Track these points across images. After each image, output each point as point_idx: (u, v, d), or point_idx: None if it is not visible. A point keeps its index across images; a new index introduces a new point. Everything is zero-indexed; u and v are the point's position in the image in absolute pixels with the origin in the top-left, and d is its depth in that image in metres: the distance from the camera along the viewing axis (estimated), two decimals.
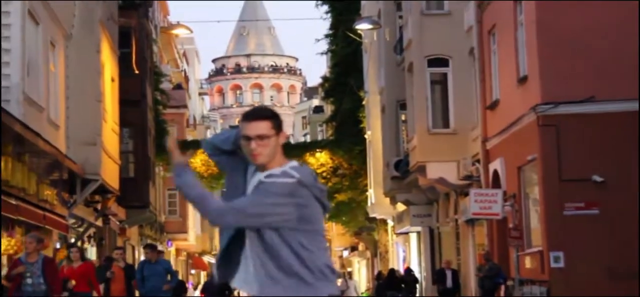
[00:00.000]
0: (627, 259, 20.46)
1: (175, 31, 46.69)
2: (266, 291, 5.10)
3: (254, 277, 5.15)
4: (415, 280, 36.05)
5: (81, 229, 28.40)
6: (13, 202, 19.42)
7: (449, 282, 28.98)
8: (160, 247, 43.81)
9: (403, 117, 35.03)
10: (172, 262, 27.69)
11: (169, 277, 20.85)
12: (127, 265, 21.64)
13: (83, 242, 28.53)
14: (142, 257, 22.45)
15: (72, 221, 26.44)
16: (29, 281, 15.02)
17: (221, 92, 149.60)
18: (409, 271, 36.61)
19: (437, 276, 29.56)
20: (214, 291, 29.43)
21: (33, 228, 21.53)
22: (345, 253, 66.92)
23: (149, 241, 48.91)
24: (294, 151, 43.61)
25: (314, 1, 48.46)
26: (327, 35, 47.92)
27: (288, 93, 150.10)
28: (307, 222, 5.09)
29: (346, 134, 44.33)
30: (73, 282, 17.89)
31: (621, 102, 20.87)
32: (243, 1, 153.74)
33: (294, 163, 5.17)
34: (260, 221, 5.04)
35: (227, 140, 5.32)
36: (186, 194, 5.10)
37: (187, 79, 71.11)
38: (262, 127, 5.08)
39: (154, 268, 20.29)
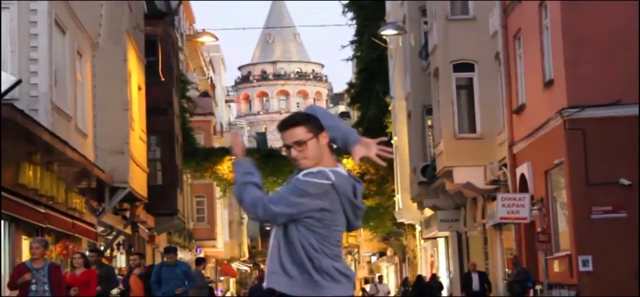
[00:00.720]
0: None
1: (201, 39, 46.75)
2: (273, 280, 5.18)
3: (269, 263, 5.24)
4: (440, 286, 35.98)
5: (110, 237, 28.52)
6: (42, 210, 19.53)
7: (476, 285, 28.36)
8: (200, 254, 43.85)
9: (429, 122, 34.98)
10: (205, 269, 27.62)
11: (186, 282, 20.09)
12: (147, 270, 21.16)
13: (113, 250, 28.64)
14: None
15: (101, 229, 26.54)
16: (33, 287, 14.43)
17: (248, 99, 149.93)
18: (434, 277, 36.55)
19: (464, 279, 29.13)
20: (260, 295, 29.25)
21: (63, 237, 21.66)
22: (374, 258, 66.83)
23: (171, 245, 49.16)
24: None
25: (340, 7, 48.40)
26: (352, 42, 47.94)
27: (314, 99, 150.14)
28: (324, 226, 5.16)
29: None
30: (76, 289, 17.33)
31: None
32: (268, 8, 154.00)
33: (339, 168, 5.30)
34: (286, 218, 5.12)
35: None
36: (234, 178, 5.22)
37: (213, 86, 71.28)
38: (297, 133, 5.16)
39: (172, 271, 19.45)
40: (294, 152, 5.16)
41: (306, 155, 5.17)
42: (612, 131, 20.95)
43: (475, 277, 28.40)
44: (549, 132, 22.61)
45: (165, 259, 20.08)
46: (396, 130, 40.86)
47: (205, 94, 62.55)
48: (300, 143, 5.15)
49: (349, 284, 5.29)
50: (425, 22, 34.14)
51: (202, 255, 38.57)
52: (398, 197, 41.26)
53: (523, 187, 25.27)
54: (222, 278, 72.66)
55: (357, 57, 48.19)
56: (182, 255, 52.30)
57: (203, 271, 26.57)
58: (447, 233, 37.12)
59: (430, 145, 34.90)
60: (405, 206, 39.83)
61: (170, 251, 20.21)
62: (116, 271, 21.33)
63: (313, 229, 5.16)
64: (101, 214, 26.35)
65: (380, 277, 35.27)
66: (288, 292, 5.17)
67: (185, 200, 45.18)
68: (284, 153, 5.11)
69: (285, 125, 5.21)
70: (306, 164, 5.16)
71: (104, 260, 21.53)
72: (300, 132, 5.17)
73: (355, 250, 76.48)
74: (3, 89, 18.14)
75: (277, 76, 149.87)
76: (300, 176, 5.14)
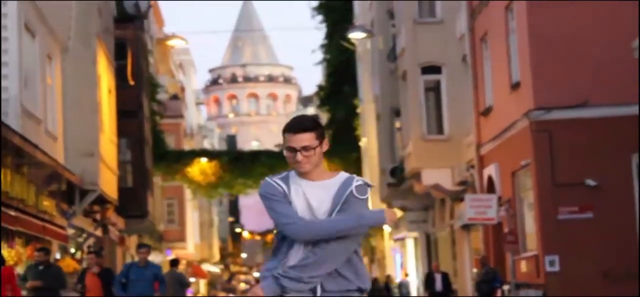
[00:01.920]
0: (622, 261, 20.43)
1: (170, 42, 46.67)
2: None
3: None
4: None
5: (81, 239, 28.35)
6: (13, 213, 19.37)
7: (439, 286, 27.98)
8: (171, 256, 43.45)
9: (398, 125, 35.01)
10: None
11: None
12: (103, 269, 19.44)
13: (83, 252, 28.48)
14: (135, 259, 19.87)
15: (71, 231, 26.39)
16: None
17: (218, 102, 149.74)
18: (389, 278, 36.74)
19: (426, 279, 28.66)
20: None
21: (33, 239, 21.49)
22: None
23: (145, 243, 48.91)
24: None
25: (309, 10, 48.42)
26: (322, 45, 47.94)
27: (283, 102, 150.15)
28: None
29: (342, 142, 44.25)
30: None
31: (614, 107, 20.84)
32: (238, 11, 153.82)
33: (345, 174, 5.32)
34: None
35: None
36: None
37: (183, 89, 71.09)
38: (307, 138, 5.15)
39: (141, 273, 17.49)
40: (300, 156, 5.14)
41: (311, 161, 5.18)
42: (579, 133, 21.01)
43: (438, 278, 28.11)
44: (516, 133, 22.67)
45: (136, 257, 18.43)
46: (365, 132, 40.90)
47: (175, 97, 62.38)
48: (308, 149, 5.15)
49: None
50: (393, 25, 34.18)
51: (173, 257, 38.39)
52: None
53: (490, 188, 25.33)
54: (193, 279, 72.46)
55: (327, 60, 48.21)
56: (153, 257, 52.12)
57: (177, 271, 26.22)
58: (415, 234, 37.18)
59: (399, 147, 34.93)
60: (374, 207, 39.78)
61: (143, 246, 18.48)
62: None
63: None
64: (71, 217, 26.21)
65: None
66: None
67: (155, 202, 45.02)
68: (285, 153, 5.24)
69: (297, 129, 5.17)
70: (307, 168, 5.18)
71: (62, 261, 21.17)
72: (309, 138, 5.16)
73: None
74: None
75: (247, 79, 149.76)
76: (354, 191, 5.20)
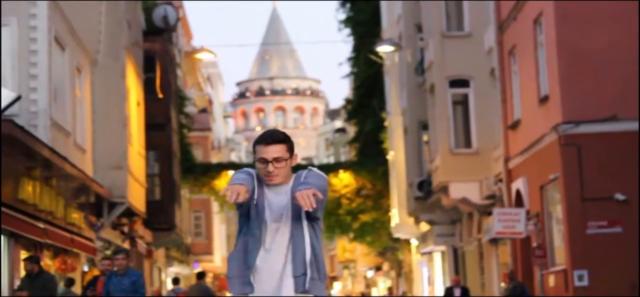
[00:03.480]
0: None
1: (199, 55, 46.78)
2: (316, 288, 5.44)
3: (299, 266, 5.44)
4: None
5: (108, 252, 28.47)
6: (41, 225, 19.50)
7: None
8: (198, 269, 43.14)
9: (425, 138, 34.98)
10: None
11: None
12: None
13: None
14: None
15: (99, 243, 26.52)
16: None
17: (245, 115, 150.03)
18: None
19: (445, 295, 27.68)
20: None
21: (62, 251, 21.62)
22: (370, 273, 66.80)
23: (175, 273, 49.01)
24: None
25: (336, 24, 48.51)
26: (349, 58, 48.00)
27: (311, 115, 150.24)
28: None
29: (369, 155, 44.31)
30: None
31: None
32: (266, 25, 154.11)
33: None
34: (323, 205, 5.44)
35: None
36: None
37: (211, 102, 71.29)
38: (279, 150, 5.30)
39: (119, 282, 15.39)
40: (271, 167, 5.28)
41: (280, 173, 5.32)
42: (607, 146, 20.95)
43: (456, 292, 27.16)
44: (544, 147, 22.61)
45: (115, 265, 15.95)
46: (393, 145, 40.86)
47: (203, 110, 62.58)
48: (279, 160, 5.30)
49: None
50: (421, 39, 34.18)
51: (200, 269, 38.44)
52: (394, 212, 41.24)
53: (519, 202, 25.26)
54: (219, 293, 72.53)
55: (354, 74, 48.25)
56: (180, 269, 52.27)
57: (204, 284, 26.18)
58: (443, 248, 37.09)
59: (427, 160, 34.89)
60: (401, 220, 39.80)
61: (120, 252, 16.05)
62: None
63: (319, 229, 5.48)
64: (100, 229, 26.35)
65: (390, 290, 34.53)
66: None
67: (183, 215, 45.14)
68: (256, 165, 5.41)
69: (269, 141, 5.32)
70: (277, 180, 5.33)
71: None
72: (281, 150, 5.32)
73: (352, 264, 76.38)
74: (3, 105, 18.14)
75: (274, 92, 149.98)
76: (306, 171, 5.37)
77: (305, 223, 5.36)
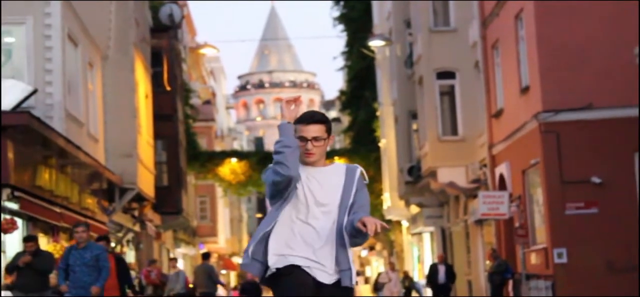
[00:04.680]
0: (625, 254, 20.38)
1: (203, 50, 46.87)
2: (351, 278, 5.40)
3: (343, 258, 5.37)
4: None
5: (120, 234, 28.51)
6: (58, 210, 19.52)
7: (442, 277, 26.69)
8: (204, 250, 42.99)
9: (415, 126, 34.98)
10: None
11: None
12: (117, 256, 16.99)
13: (122, 246, 28.62)
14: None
15: (111, 226, 26.54)
16: None
17: (246, 106, 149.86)
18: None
19: (430, 271, 27.30)
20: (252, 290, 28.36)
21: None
22: (364, 252, 66.86)
23: (182, 247, 49.05)
24: None
25: (331, 20, 48.44)
26: (343, 53, 47.98)
27: (308, 106, 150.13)
28: None
29: (362, 143, 44.32)
30: None
31: (617, 109, 20.80)
32: (265, 21, 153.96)
33: (341, 163, 5.47)
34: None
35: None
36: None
37: (214, 94, 71.24)
38: (317, 130, 5.25)
39: (80, 256, 13.77)
40: (309, 145, 5.23)
41: (318, 151, 5.28)
42: (584, 133, 20.97)
43: (441, 270, 26.93)
44: (526, 134, 22.63)
45: (75, 238, 14.21)
46: (384, 133, 40.87)
47: (207, 102, 62.53)
48: (318, 139, 5.26)
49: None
50: (410, 34, 34.15)
51: (205, 250, 38.46)
52: (386, 196, 41.28)
53: (502, 185, 25.29)
54: (224, 271, 72.67)
55: (348, 67, 48.22)
56: (186, 251, 52.29)
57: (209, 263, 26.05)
58: (432, 229, 37.12)
59: (416, 147, 34.90)
60: (393, 203, 39.84)
61: (80, 225, 14.28)
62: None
63: None
64: (112, 213, 26.37)
65: (392, 264, 34.12)
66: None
67: (189, 199, 45.17)
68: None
69: (311, 119, 5.27)
70: (314, 158, 5.28)
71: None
72: (320, 130, 5.27)
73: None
74: (20, 98, 18.15)
75: (273, 85, 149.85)
76: (359, 175, 5.38)
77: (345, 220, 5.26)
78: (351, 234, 5.18)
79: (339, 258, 5.26)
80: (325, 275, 5.24)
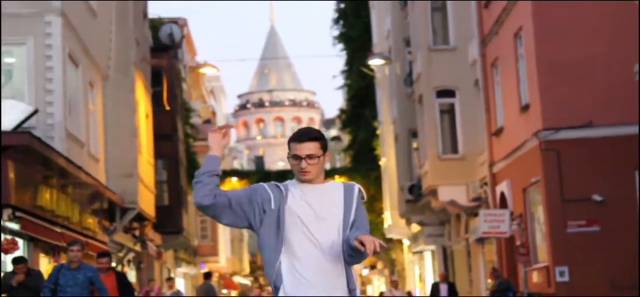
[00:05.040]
0: (627, 272, 20.33)
1: (203, 70, 46.71)
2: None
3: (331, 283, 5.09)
4: None
5: (121, 254, 28.45)
6: (59, 230, 19.49)
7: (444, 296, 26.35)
8: (205, 269, 42.98)
9: (415, 145, 34.98)
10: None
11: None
12: (118, 273, 16.07)
13: (123, 266, 28.57)
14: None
15: (112, 246, 26.49)
16: None
17: (246, 125, 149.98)
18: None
19: (432, 290, 26.95)
20: None
21: None
22: (365, 271, 66.77)
23: (183, 267, 48.97)
24: None
25: (330, 39, 48.53)
26: (342, 71, 48.06)
27: (307, 125, 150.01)
28: None
29: (362, 162, 44.35)
30: None
31: (617, 127, 20.79)
32: (264, 40, 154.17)
33: (339, 182, 5.26)
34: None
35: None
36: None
37: (214, 113, 71.28)
38: (312, 147, 5.05)
39: (72, 276, 13.21)
40: (304, 163, 5.04)
41: (313, 169, 5.07)
42: (585, 151, 20.96)
43: (443, 288, 26.65)
44: (526, 152, 22.62)
45: (69, 257, 13.69)
46: (384, 152, 40.87)
47: (207, 121, 62.53)
48: (312, 157, 5.05)
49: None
50: (410, 52, 34.20)
51: (206, 270, 38.40)
52: (387, 214, 41.25)
53: (503, 203, 25.26)
54: (224, 291, 72.52)
55: (348, 85, 48.28)
56: (187, 270, 52.21)
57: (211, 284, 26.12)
58: (433, 247, 37.08)
59: (416, 165, 34.89)
60: (394, 222, 39.81)
61: (75, 243, 13.79)
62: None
63: None
64: (113, 233, 26.32)
65: (395, 282, 33.80)
66: None
67: (190, 219, 45.11)
68: (290, 161, 5.11)
69: (304, 137, 5.07)
70: (310, 177, 5.07)
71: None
72: (314, 147, 5.06)
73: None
74: (21, 118, 18.13)
75: (273, 104, 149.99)
76: (357, 194, 5.18)
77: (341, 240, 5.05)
78: (347, 253, 4.99)
79: (348, 278, 5.08)
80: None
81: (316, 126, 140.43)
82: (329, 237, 5.04)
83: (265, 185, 5.13)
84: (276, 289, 5.02)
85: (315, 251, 5.02)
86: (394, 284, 33.72)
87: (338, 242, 5.05)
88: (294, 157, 5.06)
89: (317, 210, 5.05)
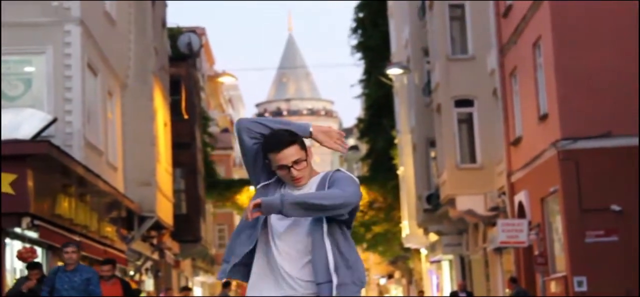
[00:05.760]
0: None
1: (221, 79, 46.99)
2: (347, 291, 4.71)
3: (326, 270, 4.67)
4: None
5: (139, 263, 28.53)
6: (77, 238, 19.55)
7: None
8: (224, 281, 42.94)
9: (433, 154, 34.97)
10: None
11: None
12: (122, 281, 15.53)
13: (141, 274, 28.66)
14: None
15: (130, 255, 26.58)
16: None
17: None
18: None
19: None
20: None
21: (95, 262, 21.67)
22: (383, 281, 66.74)
23: (200, 276, 49.00)
24: None
25: (349, 49, 48.59)
26: (361, 80, 48.09)
27: None
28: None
29: (380, 171, 44.31)
30: None
31: (635, 137, 20.73)
32: (283, 50, 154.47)
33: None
34: (352, 208, 4.69)
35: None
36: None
37: (232, 122, 71.41)
38: (294, 152, 4.64)
39: (69, 279, 12.66)
40: (294, 172, 4.64)
41: (305, 173, 4.69)
42: (603, 161, 20.91)
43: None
44: (544, 162, 22.58)
45: (64, 259, 13.13)
46: (402, 161, 40.86)
47: (225, 130, 62.67)
48: (298, 162, 4.65)
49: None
50: (428, 62, 34.21)
51: (225, 280, 38.43)
52: (405, 224, 41.22)
53: (521, 213, 25.22)
54: None
55: (366, 95, 48.30)
56: (205, 279, 52.30)
57: (229, 293, 26.08)
58: (451, 256, 37.04)
59: (434, 175, 34.87)
60: (411, 231, 39.78)
61: (70, 245, 13.31)
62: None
63: (348, 231, 4.78)
64: (131, 242, 26.40)
65: (421, 293, 33.61)
66: None
67: (207, 227, 45.21)
68: (278, 174, 4.70)
69: (281, 145, 4.64)
70: (304, 181, 4.70)
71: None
72: (296, 151, 4.66)
73: (366, 273, 76.18)
74: (40, 127, 18.24)
75: (291, 112, 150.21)
76: (331, 173, 4.68)
77: (325, 227, 4.61)
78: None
79: (316, 273, 4.60)
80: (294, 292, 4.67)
81: None
82: (292, 232, 4.68)
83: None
84: (226, 263, 4.86)
85: (279, 244, 4.70)
86: (420, 294, 33.54)
87: (302, 235, 4.67)
88: (281, 168, 4.67)
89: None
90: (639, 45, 20.98)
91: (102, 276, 14.20)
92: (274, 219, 4.72)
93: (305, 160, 4.67)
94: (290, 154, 4.63)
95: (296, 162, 4.63)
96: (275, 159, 4.65)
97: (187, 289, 27.07)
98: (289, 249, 4.69)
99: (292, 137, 4.65)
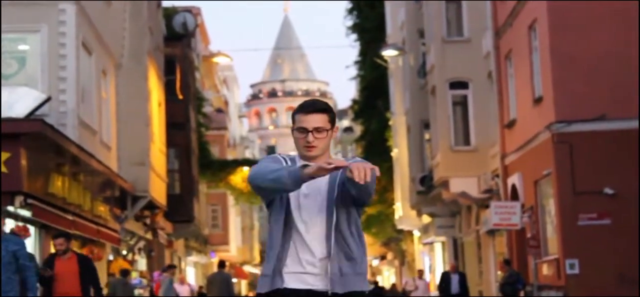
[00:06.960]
0: (637, 265, 20.33)
1: (216, 59, 46.92)
2: (359, 283, 4.70)
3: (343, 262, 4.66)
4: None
5: (132, 242, 28.55)
6: (70, 217, 19.57)
7: (455, 287, 25.66)
8: (215, 259, 42.48)
9: (427, 136, 34.98)
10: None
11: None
12: (80, 256, 14.14)
13: (134, 254, 28.68)
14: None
15: (123, 234, 26.59)
16: None
17: (258, 115, 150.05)
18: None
19: (441, 280, 26.25)
20: None
21: (88, 242, 21.69)
22: (375, 262, 66.84)
23: (193, 255, 49.07)
24: None
25: (344, 29, 48.53)
26: (356, 62, 48.03)
27: None
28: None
29: (374, 152, 44.26)
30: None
31: (629, 121, 20.78)
32: (278, 30, 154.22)
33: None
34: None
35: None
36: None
37: (227, 103, 71.34)
38: (320, 119, 4.56)
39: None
40: (311, 137, 4.54)
41: (320, 144, 4.57)
42: (597, 144, 20.95)
43: (454, 279, 25.94)
44: (538, 145, 22.62)
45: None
46: (396, 143, 40.87)
47: (219, 110, 62.59)
48: (320, 130, 4.54)
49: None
50: (423, 44, 34.18)
51: (220, 259, 38.48)
52: (398, 205, 41.26)
53: (514, 196, 25.27)
54: (235, 280, 72.70)
55: (361, 76, 48.24)
56: (198, 259, 52.34)
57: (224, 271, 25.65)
58: (443, 239, 37.11)
59: (428, 157, 34.89)
60: (404, 213, 39.82)
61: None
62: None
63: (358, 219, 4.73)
64: (124, 221, 26.41)
65: (421, 272, 33.73)
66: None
67: (201, 208, 45.22)
68: (294, 135, 4.62)
69: (312, 108, 4.57)
70: (316, 152, 4.57)
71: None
72: (323, 120, 4.56)
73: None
74: (34, 105, 18.21)
75: (286, 94, 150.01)
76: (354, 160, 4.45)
77: (343, 213, 4.57)
78: (351, 190, 4.45)
79: (346, 250, 4.56)
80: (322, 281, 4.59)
81: None
82: (311, 214, 4.60)
83: (279, 157, 4.71)
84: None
85: (302, 227, 4.61)
86: (419, 274, 33.75)
87: (322, 219, 4.60)
88: (300, 131, 4.58)
89: (309, 195, 4.60)
90: (638, 29, 20.99)
91: (56, 250, 13.45)
92: (301, 197, 4.62)
93: (327, 132, 4.57)
94: (315, 120, 4.55)
95: (317, 129, 4.55)
96: (300, 119, 4.59)
97: (172, 267, 26.95)
98: (312, 228, 4.63)
99: (326, 107, 4.60)
